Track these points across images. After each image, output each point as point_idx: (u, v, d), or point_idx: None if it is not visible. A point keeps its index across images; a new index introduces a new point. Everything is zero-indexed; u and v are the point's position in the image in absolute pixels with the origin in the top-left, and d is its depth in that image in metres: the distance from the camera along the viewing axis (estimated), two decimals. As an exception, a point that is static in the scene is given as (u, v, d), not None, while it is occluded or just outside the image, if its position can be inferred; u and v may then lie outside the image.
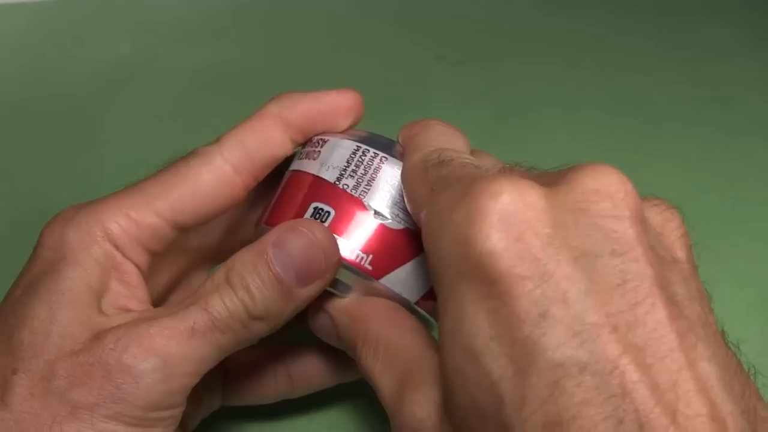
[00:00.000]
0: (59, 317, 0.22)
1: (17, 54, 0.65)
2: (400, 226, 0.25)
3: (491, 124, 0.52)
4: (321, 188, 0.25)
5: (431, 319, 0.26)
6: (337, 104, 0.26)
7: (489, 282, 0.18)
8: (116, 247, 0.24)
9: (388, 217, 0.24)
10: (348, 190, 0.25)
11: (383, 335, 0.24)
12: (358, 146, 0.25)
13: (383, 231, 0.24)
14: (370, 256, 0.24)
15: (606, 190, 0.19)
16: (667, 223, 0.21)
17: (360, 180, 0.25)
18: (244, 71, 0.61)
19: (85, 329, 0.22)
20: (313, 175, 0.25)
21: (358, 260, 0.24)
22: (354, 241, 0.24)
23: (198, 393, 0.27)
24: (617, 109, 0.55)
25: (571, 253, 0.18)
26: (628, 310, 0.17)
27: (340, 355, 0.28)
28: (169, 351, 0.21)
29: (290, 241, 0.23)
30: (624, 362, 0.17)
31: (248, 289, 0.22)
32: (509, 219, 0.18)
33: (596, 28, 0.68)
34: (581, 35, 0.67)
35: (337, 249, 0.24)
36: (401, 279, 0.25)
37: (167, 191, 0.25)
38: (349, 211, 0.24)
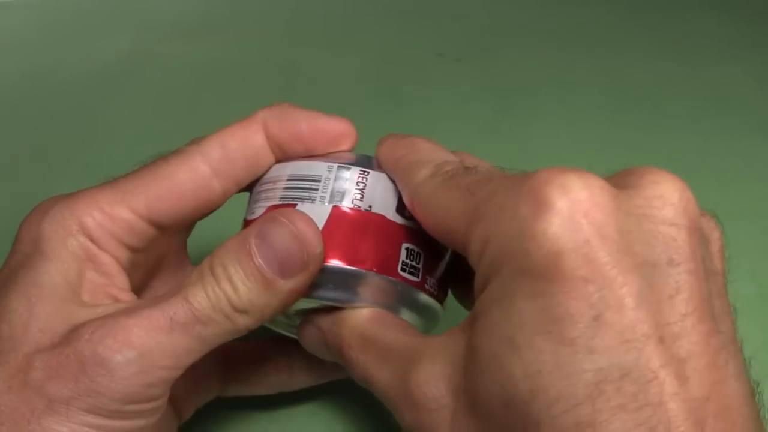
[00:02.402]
0: (37, 311, 0.22)
1: (16, 51, 0.65)
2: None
3: (490, 120, 0.52)
4: (410, 230, 0.25)
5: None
6: (326, 129, 0.26)
7: (549, 280, 0.18)
8: (91, 239, 0.23)
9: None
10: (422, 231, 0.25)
11: (370, 333, 0.24)
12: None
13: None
14: (436, 281, 0.25)
15: (669, 196, 0.19)
16: (711, 233, 0.21)
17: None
18: (242, 68, 0.60)
19: (63, 322, 0.22)
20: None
21: (430, 288, 0.25)
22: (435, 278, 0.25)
23: (196, 380, 0.27)
24: (617, 106, 0.55)
25: (633, 261, 0.18)
26: (675, 322, 0.18)
27: None
28: (147, 343, 0.21)
29: (272, 233, 0.23)
30: (664, 373, 0.17)
31: (231, 280, 0.22)
32: (578, 218, 0.18)
33: (596, 25, 0.68)
34: (580, 32, 0.67)
35: (320, 240, 0.23)
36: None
37: (143, 188, 0.24)
38: (428, 251, 0.25)
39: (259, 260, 0.22)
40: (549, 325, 0.18)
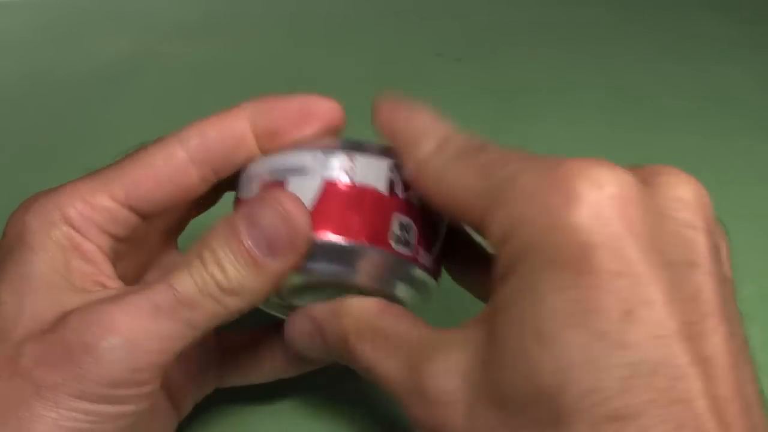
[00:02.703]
0: (27, 301, 0.22)
1: (17, 51, 0.65)
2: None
3: (490, 120, 0.52)
4: (401, 202, 0.25)
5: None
6: (307, 108, 0.26)
7: (581, 273, 0.18)
8: (74, 228, 0.24)
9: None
10: (415, 203, 0.25)
11: (377, 323, 0.24)
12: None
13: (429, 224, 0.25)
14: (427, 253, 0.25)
15: (688, 199, 0.20)
16: (720, 241, 0.21)
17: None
18: (243, 68, 0.61)
19: (53, 310, 0.22)
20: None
21: (420, 259, 0.25)
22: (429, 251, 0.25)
23: (192, 373, 0.28)
24: (617, 106, 0.55)
25: (660, 259, 0.18)
26: (698, 322, 0.18)
27: None
28: (132, 329, 0.21)
29: (260, 214, 0.23)
30: (692, 371, 0.17)
31: (220, 263, 0.22)
32: (610, 213, 0.18)
33: (596, 25, 0.68)
34: (581, 31, 0.67)
35: (309, 220, 0.23)
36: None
37: (122, 176, 0.25)
38: (420, 222, 0.25)
39: (248, 242, 0.22)
40: (580, 318, 0.18)
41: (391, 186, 0.25)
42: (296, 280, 0.25)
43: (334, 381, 0.31)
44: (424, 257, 0.25)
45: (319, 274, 0.25)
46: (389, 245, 0.24)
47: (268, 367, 0.29)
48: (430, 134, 0.24)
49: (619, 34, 0.66)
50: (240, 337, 0.29)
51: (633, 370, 0.17)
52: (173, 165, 0.25)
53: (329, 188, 0.24)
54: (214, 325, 0.23)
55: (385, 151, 0.25)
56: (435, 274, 0.26)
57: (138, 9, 0.72)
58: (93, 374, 0.21)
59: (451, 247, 0.27)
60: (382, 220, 0.24)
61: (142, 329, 0.21)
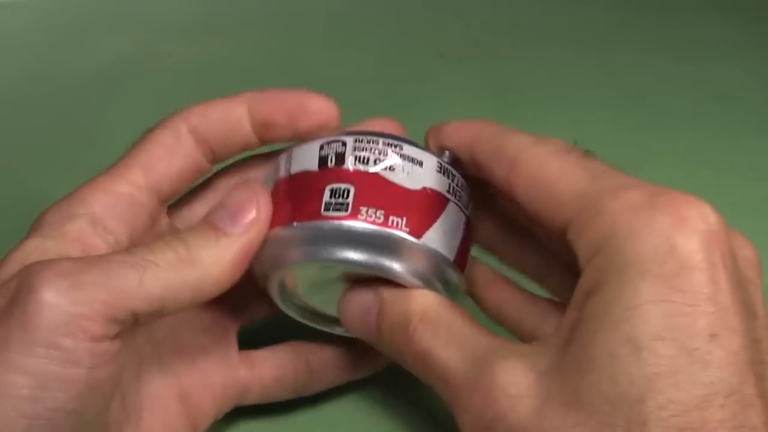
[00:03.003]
0: (15, 256, 0.23)
1: (18, 51, 0.65)
2: (418, 187, 0.24)
3: (492, 120, 0.52)
4: (334, 173, 0.25)
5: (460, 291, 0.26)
6: (301, 101, 0.26)
7: (679, 290, 0.20)
8: (95, 221, 0.24)
9: (405, 182, 0.24)
10: (360, 168, 0.25)
11: (443, 315, 0.24)
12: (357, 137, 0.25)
13: (404, 192, 0.24)
14: (404, 219, 0.24)
15: (751, 259, 0.22)
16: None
17: (367, 158, 0.25)
18: (244, 68, 0.61)
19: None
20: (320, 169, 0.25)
21: (393, 225, 0.24)
22: (383, 208, 0.24)
23: (215, 393, 0.27)
24: (619, 106, 0.55)
25: (741, 297, 0.20)
26: (760, 363, 0.20)
27: (358, 349, 0.29)
28: (79, 275, 0.20)
29: (227, 197, 0.24)
30: (758, 402, 0.19)
31: (181, 237, 0.23)
32: (712, 242, 0.20)
33: (598, 25, 0.68)
34: (582, 32, 0.67)
35: (269, 202, 0.24)
36: (438, 237, 0.24)
37: (138, 160, 0.26)
38: (367, 183, 0.24)
39: (212, 215, 0.23)
40: (672, 332, 0.19)
41: (325, 161, 0.25)
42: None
43: (351, 391, 0.31)
44: (370, 215, 0.24)
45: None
46: (319, 215, 0.24)
47: (290, 385, 0.29)
48: (520, 132, 0.25)
49: (620, 34, 0.66)
50: (261, 355, 0.29)
51: (711, 390, 0.19)
52: (180, 140, 0.26)
53: (276, 188, 0.25)
54: (173, 297, 0.22)
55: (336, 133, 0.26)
56: (415, 233, 0.25)
57: (139, 9, 0.72)
58: (37, 317, 0.20)
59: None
60: (313, 195, 0.24)
61: (89, 276, 0.21)
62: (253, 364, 0.29)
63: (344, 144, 0.25)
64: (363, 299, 0.26)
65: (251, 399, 0.29)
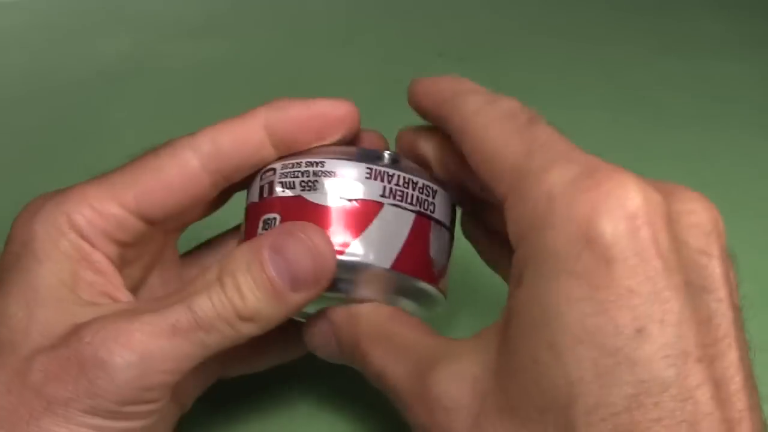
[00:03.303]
0: (37, 314, 0.22)
1: (17, 50, 0.65)
2: (339, 201, 0.24)
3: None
4: (267, 203, 0.25)
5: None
6: (326, 113, 0.25)
7: (597, 287, 0.18)
8: (83, 237, 0.23)
9: (326, 199, 0.24)
10: (285, 194, 0.24)
11: (389, 330, 0.24)
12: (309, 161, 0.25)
13: (324, 210, 0.24)
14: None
15: (705, 225, 0.20)
16: (730, 270, 0.21)
17: (292, 182, 0.25)
18: (244, 67, 0.61)
19: (63, 323, 0.22)
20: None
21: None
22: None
23: (197, 369, 0.27)
24: (618, 106, 0.55)
25: (677, 280, 0.18)
26: (711, 345, 0.18)
27: None
28: (148, 348, 0.21)
29: (288, 246, 0.23)
30: (701, 392, 0.18)
31: (239, 289, 0.22)
32: (633, 231, 0.18)
33: (597, 25, 0.68)
34: (582, 32, 0.66)
35: (334, 255, 0.23)
36: (366, 246, 0.24)
37: (132, 182, 0.24)
38: (291, 208, 0.24)
39: (272, 272, 0.22)
40: (593, 333, 0.18)
41: (262, 192, 0.25)
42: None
43: (335, 386, 0.31)
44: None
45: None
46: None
47: (270, 353, 0.29)
48: (479, 91, 0.23)
49: (620, 33, 0.66)
50: None
51: (642, 388, 0.18)
52: (186, 173, 0.24)
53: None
54: (224, 348, 0.23)
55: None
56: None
57: (139, 8, 0.72)
58: (105, 390, 0.21)
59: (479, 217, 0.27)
60: (252, 225, 0.25)
61: (158, 348, 0.21)
62: None
63: (274, 171, 0.25)
64: (320, 328, 0.26)
65: (233, 371, 0.29)
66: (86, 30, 0.68)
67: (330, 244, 0.23)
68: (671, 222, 0.19)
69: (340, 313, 0.25)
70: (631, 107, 0.54)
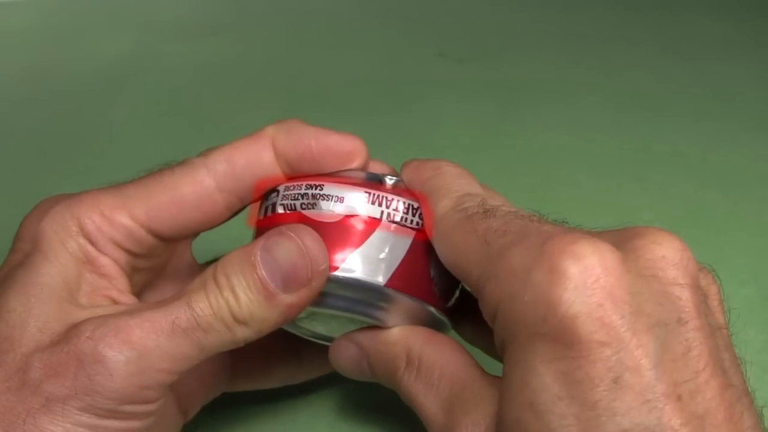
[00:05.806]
0: (36, 311, 0.22)
1: (19, 51, 0.65)
2: (335, 218, 0.24)
3: (493, 120, 0.52)
4: (269, 219, 0.25)
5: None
6: (335, 147, 0.25)
7: (567, 344, 0.19)
8: (90, 242, 0.23)
9: (321, 217, 0.24)
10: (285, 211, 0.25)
11: (425, 355, 0.24)
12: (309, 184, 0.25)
13: (320, 225, 0.24)
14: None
15: (671, 257, 0.20)
16: (709, 287, 0.22)
17: (293, 204, 0.25)
18: (245, 67, 0.61)
19: (62, 322, 0.22)
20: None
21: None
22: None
23: (204, 377, 0.27)
24: (618, 106, 0.55)
25: (646, 322, 0.19)
26: (691, 379, 0.19)
27: None
28: (147, 344, 0.21)
29: (278, 246, 0.23)
30: (687, 428, 0.18)
31: (234, 290, 0.22)
32: (591, 284, 0.19)
33: (598, 25, 0.68)
34: (583, 32, 0.67)
35: (326, 257, 0.23)
36: (360, 262, 0.24)
37: (146, 196, 0.24)
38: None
39: (263, 272, 0.22)
40: (570, 388, 0.18)
41: (265, 212, 0.26)
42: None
43: (339, 383, 0.31)
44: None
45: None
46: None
47: (278, 373, 0.30)
48: (449, 191, 0.24)
49: (620, 35, 0.66)
50: (251, 343, 0.29)
51: None
52: (200, 192, 0.25)
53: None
54: (219, 351, 0.23)
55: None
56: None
57: (139, 8, 0.72)
58: (103, 387, 0.21)
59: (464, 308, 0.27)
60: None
61: (156, 346, 0.21)
62: (241, 350, 0.29)
63: (278, 193, 0.25)
64: (348, 353, 0.26)
65: (240, 386, 0.29)
66: (87, 30, 0.68)
67: (321, 244, 0.23)
68: (632, 263, 0.20)
69: (370, 337, 0.25)
70: (631, 107, 0.55)
